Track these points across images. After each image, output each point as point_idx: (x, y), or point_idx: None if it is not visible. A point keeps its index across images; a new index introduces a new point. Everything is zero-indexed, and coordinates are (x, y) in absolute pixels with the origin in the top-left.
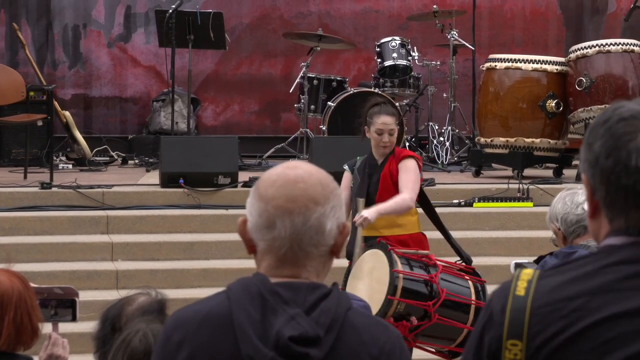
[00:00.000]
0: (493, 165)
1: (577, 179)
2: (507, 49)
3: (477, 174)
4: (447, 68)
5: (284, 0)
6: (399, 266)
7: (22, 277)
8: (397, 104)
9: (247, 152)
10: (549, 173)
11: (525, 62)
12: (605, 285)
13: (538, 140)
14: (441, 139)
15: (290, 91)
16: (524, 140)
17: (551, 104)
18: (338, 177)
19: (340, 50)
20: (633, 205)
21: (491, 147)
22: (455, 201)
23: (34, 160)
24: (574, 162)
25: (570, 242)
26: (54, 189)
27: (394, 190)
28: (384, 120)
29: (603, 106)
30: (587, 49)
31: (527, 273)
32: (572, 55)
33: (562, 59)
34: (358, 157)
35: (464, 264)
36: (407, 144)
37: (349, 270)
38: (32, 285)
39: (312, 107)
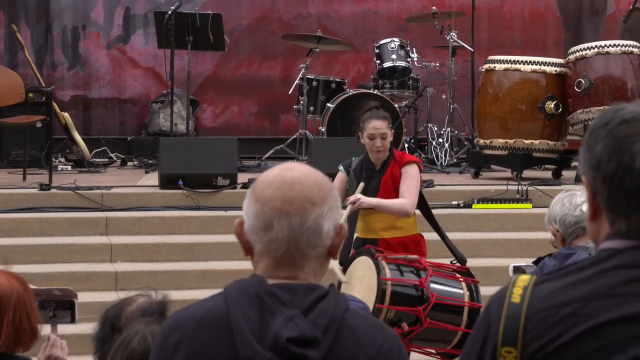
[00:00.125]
0: (492, 166)
1: (576, 181)
2: (506, 50)
3: (476, 175)
4: (446, 69)
5: (283, 2)
6: (387, 273)
7: (21, 278)
8: (396, 105)
9: (246, 153)
10: (548, 174)
11: (524, 64)
12: (603, 290)
13: (537, 141)
14: (440, 140)
15: (290, 92)
16: (523, 142)
17: (550, 105)
18: None
19: (340, 52)
20: (636, 208)
21: (490, 148)
22: (454, 202)
23: (33, 161)
24: (573, 164)
25: (569, 244)
26: (53, 191)
27: (395, 194)
28: (375, 125)
29: (602, 107)
30: (586, 50)
31: (523, 279)
32: (571, 57)
33: (561, 61)
34: (353, 158)
35: (458, 264)
36: (407, 145)
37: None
38: (31, 286)
39: (311, 108)
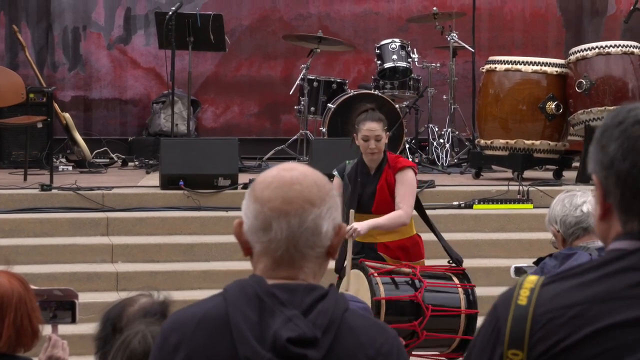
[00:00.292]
0: (493, 167)
1: (577, 181)
2: (506, 50)
3: (477, 175)
4: (447, 70)
5: (284, 2)
6: (381, 290)
7: (22, 278)
8: (397, 105)
9: (247, 154)
10: (549, 175)
11: (525, 64)
12: (611, 292)
13: (538, 142)
14: (441, 140)
15: (290, 93)
16: (523, 142)
17: (551, 105)
18: None
19: (340, 52)
20: None
21: (491, 149)
22: (455, 203)
23: (33, 162)
24: (574, 164)
25: (570, 244)
26: (54, 191)
27: (391, 200)
28: (370, 127)
29: (603, 108)
30: (586, 50)
31: (530, 280)
32: (572, 57)
33: (562, 61)
34: (347, 162)
35: (454, 265)
36: (407, 145)
37: (337, 285)
38: (32, 287)
39: (312, 109)
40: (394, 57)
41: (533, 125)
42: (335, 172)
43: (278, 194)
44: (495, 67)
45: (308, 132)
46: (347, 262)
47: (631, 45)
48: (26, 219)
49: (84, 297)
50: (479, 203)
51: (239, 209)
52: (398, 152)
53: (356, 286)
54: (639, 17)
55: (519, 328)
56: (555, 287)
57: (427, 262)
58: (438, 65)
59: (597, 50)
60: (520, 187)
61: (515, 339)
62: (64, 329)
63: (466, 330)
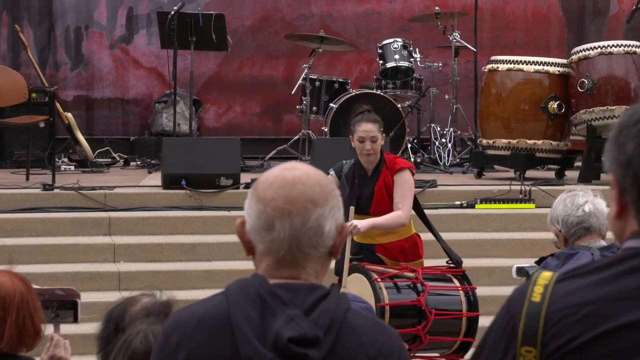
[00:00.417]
0: (495, 166)
1: (579, 181)
2: (509, 50)
3: (479, 175)
4: (449, 70)
5: (286, 2)
6: (385, 296)
7: (25, 278)
8: (399, 105)
9: (249, 153)
10: (551, 174)
11: (527, 64)
12: (625, 291)
13: (540, 141)
14: (443, 140)
15: (292, 93)
16: (526, 142)
17: (553, 105)
18: None
19: (342, 52)
20: None
21: (493, 148)
22: (457, 203)
23: (36, 161)
24: (576, 164)
25: (572, 244)
26: (56, 191)
27: (389, 202)
28: (365, 128)
29: (605, 108)
30: (589, 50)
31: (545, 277)
32: (574, 57)
33: (564, 61)
34: (344, 162)
35: (453, 265)
36: (409, 145)
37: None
38: (34, 286)
39: (314, 108)
40: (396, 56)
41: (535, 125)
42: (331, 172)
43: (281, 193)
44: (498, 67)
45: (310, 131)
46: (345, 260)
47: (633, 45)
48: (28, 219)
49: (86, 297)
50: (481, 203)
51: (241, 208)
52: (400, 152)
53: (358, 289)
54: None
55: (532, 325)
56: (569, 284)
57: (426, 262)
58: (440, 65)
59: (599, 50)
60: (522, 187)
61: (528, 336)
62: (66, 328)
63: (467, 332)
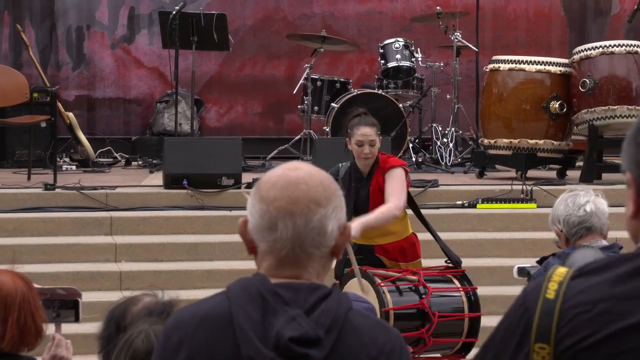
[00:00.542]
0: (496, 166)
1: (581, 181)
2: (510, 50)
3: (480, 175)
4: (451, 69)
5: (288, 2)
6: (389, 301)
7: (26, 278)
8: (400, 105)
9: (250, 153)
10: (553, 174)
11: (528, 64)
12: (637, 290)
13: (541, 141)
14: (445, 140)
15: (294, 92)
16: (527, 142)
17: (555, 105)
18: None
19: (344, 52)
20: None
21: (495, 148)
22: (459, 202)
23: (37, 161)
24: (578, 164)
25: (573, 244)
26: (57, 190)
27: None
28: (364, 132)
29: (606, 107)
30: (590, 50)
31: (559, 273)
32: (576, 57)
33: (565, 60)
34: (340, 165)
35: (451, 265)
36: (411, 145)
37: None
38: (35, 286)
39: (316, 108)
40: (398, 56)
41: (537, 124)
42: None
43: (284, 193)
44: (499, 67)
45: (312, 131)
46: (354, 267)
47: (635, 45)
48: (30, 218)
49: (87, 297)
50: (482, 202)
51: (242, 208)
52: (402, 152)
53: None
54: None
55: (546, 322)
56: (583, 281)
57: (424, 262)
58: (442, 64)
59: (600, 49)
60: (524, 187)
61: (542, 333)
62: (68, 328)
63: (469, 333)
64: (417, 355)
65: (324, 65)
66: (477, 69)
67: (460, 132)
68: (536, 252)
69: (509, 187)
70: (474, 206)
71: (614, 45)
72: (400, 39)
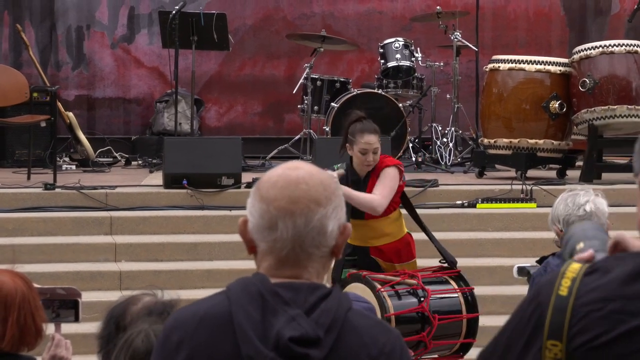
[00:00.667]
0: (496, 166)
1: (581, 180)
2: (510, 50)
3: (480, 175)
4: (451, 69)
5: (287, 2)
6: (390, 306)
7: (26, 277)
8: (400, 105)
9: (250, 153)
10: (553, 174)
11: (528, 63)
12: None
13: (541, 141)
14: (444, 140)
15: (294, 92)
16: (527, 141)
17: (554, 105)
18: None
19: (344, 52)
20: None
21: (494, 148)
22: (459, 202)
23: (37, 161)
24: (578, 163)
25: None
26: (57, 190)
27: None
28: (368, 140)
29: (606, 107)
30: (590, 50)
31: (573, 269)
32: (576, 56)
33: (565, 60)
34: (335, 167)
35: (446, 264)
36: (411, 144)
37: None
38: (35, 285)
39: (316, 108)
40: (398, 56)
41: (536, 124)
42: None
43: (284, 193)
44: (499, 66)
45: (311, 131)
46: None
47: (635, 45)
48: (29, 218)
49: (87, 296)
50: (482, 202)
51: (242, 208)
52: (401, 151)
53: None
54: None
55: (559, 319)
56: (596, 278)
57: (419, 262)
58: (441, 64)
59: (600, 49)
60: (524, 186)
61: (554, 330)
62: (67, 327)
63: (467, 333)
64: (417, 358)
65: (324, 65)
66: (477, 69)
67: (460, 131)
68: (536, 251)
69: (508, 187)
70: (473, 206)
71: (614, 44)
72: (400, 39)
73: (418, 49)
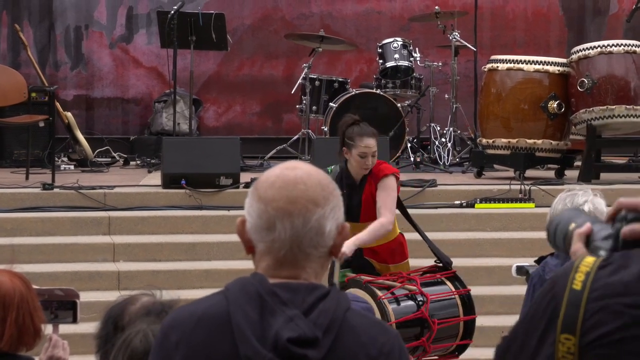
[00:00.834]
0: (495, 166)
1: (579, 180)
2: (509, 50)
3: (478, 175)
4: (449, 69)
5: (286, 2)
6: (391, 315)
7: (24, 277)
8: (398, 105)
9: (248, 153)
10: (551, 174)
11: (527, 63)
12: None
13: (540, 141)
14: (443, 140)
15: (292, 92)
16: (525, 141)
17: (553, 105)
18: None
19: (342, 51)
20: None
21: (493, 148)
22: (457, 202)
23: (35, 161)
24: (576, 163)
25: None
26: (55, 190)
27: (376, 209)
28: (367, 144)
29: (605, 107)
30: (589, 50)
31: (587, 263)
32: (574, 56)
33: (564, 60)
34: (329, 169)
35: (441, 265)
36: (409, 145)
37: None
38: (33, 287)
39: (314, 108)
40: (396, 56)
41: (535, 124)
42: None
43: (282, 193)
44: (497, 66)
45: (310, 131)
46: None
47: (633, 45)
48: (28, 218)
49: (85, 296)
50: (480, 202)
51: (240, 208)
52: (400, 151)
53: None
54: None
55: (573, 313)
56: (609, 273)
57: (413, 262)
58: (440, 64)
59: (599, 49)
60: (522, 186)
61: (568, 324)
62: (65, 327)
63: (464, 335)
64: None
65: (323, 65)
66: (476, 69)
67: (459, 131)
68: (534, 251)
69: (507, 187)
70: (472, 206)
71: (613, 45)
72: (399, 39)
73: (416, 49)
